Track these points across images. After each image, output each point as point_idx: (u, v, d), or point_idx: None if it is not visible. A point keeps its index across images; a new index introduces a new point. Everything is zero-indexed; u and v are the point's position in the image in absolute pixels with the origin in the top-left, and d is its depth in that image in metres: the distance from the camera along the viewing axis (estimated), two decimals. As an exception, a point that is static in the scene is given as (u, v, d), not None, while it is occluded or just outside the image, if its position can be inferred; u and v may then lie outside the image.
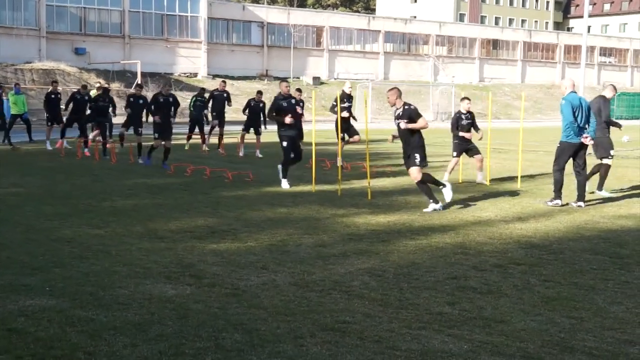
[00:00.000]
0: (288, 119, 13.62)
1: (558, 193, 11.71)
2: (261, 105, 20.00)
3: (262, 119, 20.01)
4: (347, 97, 17.95)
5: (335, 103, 16.17)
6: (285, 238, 8.87)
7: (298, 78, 63.20)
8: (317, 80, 62.71)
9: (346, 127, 17.52)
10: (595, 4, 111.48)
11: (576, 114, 11.50)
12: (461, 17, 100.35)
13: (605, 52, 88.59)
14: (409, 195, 12.79)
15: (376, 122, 45.05)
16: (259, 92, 20.58)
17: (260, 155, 19.80)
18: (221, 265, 7.40)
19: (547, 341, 5.25)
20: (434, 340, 5.22)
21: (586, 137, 11.56)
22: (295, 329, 5.44)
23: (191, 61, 59.87)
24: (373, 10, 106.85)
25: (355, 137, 18.20)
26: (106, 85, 23.72)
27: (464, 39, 77.66)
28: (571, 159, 11.84)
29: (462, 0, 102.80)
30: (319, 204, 11.66)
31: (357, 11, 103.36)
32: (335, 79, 66.40)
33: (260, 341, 5.16)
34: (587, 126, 11.71)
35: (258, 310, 5.90)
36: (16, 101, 23.77)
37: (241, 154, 20.15)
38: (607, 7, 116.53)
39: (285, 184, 13.62)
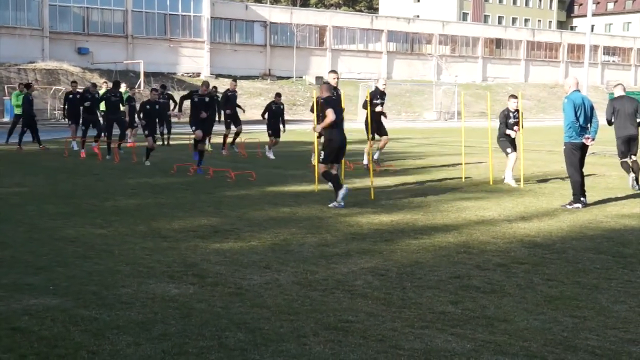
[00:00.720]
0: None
1: (577, 196, 11.44)
2: (282, 107, 19.59)
3: (282, 121, 19.57)
4: (380, 94, 16.55)
5: (367, 100, 15.68)
6: (288, 237, 8.87)
7: (301, 78, 63.26)
8: (319, 80, 62.54)
9: (377, 126, 16.40)
10: (598, 2, 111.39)
11: (578, 113, 11.41)
12: (464, 17, 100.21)
13: (608, 51, 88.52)
14: (412, 194, 12.78)
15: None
16: (278, 95, 20.04)
17: (272, 157, 19.38)
18: (224, 265, 7.41)
19: (550, 340, 5.25)
20: (437, 340, 5.22)
21: (587, 138, 11.49)
22: (298, 328, 5.44)
23: (194, 61, 59.93)
24: (376, 10, 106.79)
25: (384, 139, 16.92)
26: (117, 79, 23.27)
27: (467, 38, 77.67)
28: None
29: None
30: (321, 203, 11.66)
31: (360, 10, 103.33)
32: (338, 78, 66.30)
33: (263, 340, 5.16)
34: (588, 126, 11.64)
35: (261, 309, 5.90)
36: (20, 102, 23.73)
37: (271, 156, 19.35)
38: (610, 6, 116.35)
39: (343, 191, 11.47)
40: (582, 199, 11.50)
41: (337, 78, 13.00)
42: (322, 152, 11.56)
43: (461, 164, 15.72)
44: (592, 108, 11.67)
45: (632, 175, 13.85)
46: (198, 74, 59.21)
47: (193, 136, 15.90)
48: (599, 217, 10.57)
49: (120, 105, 20.13)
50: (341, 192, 11.24)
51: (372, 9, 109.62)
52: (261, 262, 7.53)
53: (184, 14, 59.89)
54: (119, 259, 7.64)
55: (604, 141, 19.30)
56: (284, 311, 5.85)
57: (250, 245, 8.41)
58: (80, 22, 55.98)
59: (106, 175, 15.21)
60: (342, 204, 11.18)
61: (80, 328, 5.36)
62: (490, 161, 15.12)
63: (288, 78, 63.59)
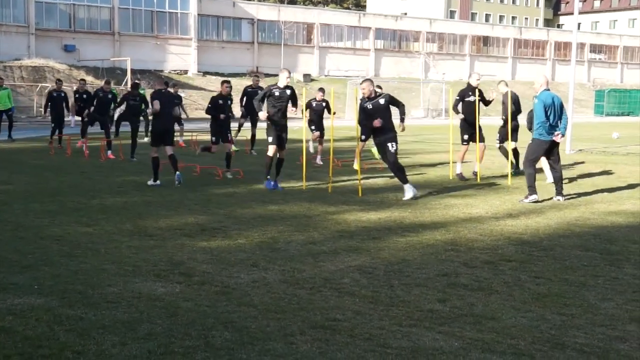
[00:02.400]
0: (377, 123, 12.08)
1: (532, 188, 11.78)
2: (324, 105, 18.44)
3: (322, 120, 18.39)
4: (472, 91, 14.58)
5: (457, 98, 14.50)
6: (276, 235, 8.84)
7: (289, 75, 63.11)
8: (307, 77, 62.64)
9: (470, 127, 14.64)
10: (585, 0, 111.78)
11: (548, 112, 11.74)
12: (452, 14, 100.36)
13: (595, 49, 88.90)
14: (399, 192, 12.76)
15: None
16: (321, 90, 18.92)
17: (320, 163, 17.65)
18: (211, 263, 7.37)
19: (537, 338, 5.24)
20: (424, 338, 5.20)
21: (558, 134, 11.80)
22: (285, 326, 5.41)
23: (181, 58, 59.73)
24: (364, 7, 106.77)
25: (481, 146, 14.79)
26: (137, 81, 22.42)
27: (455, 35, 77.83)
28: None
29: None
30: (309, 201, 11.63)
31: (348, 8, 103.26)
32: (325, 75, 66.39)
33: (250, 339, 5.13)
34: (558, 123, 11.91)
35: (248, 308, 5.87)
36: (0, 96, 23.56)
37: (319, 161, 17.86)
38: (597, 4, 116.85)
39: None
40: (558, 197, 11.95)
41: (289, 78, 13.37)
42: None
43: (449, 162, 15.71)
44: (561, 106, 12.04)
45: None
46: (185, 72, 59.02)
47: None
48: (586, 215, 10.60)
49: (142, 107, 18.98)
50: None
51: (360, 6, 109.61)
52: (248, 261, 7.50)
53: (171, 11, 59.66)
54: (105, 257, 7.59)
55: (590, 139, 19.31)
56: (271, 310, 5.82)
57: (237, 243, 8.37)
58: (67, 18, 55.66)
59: (93, 173, 15.11)
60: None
61: (65, 328, 5.31)
62: (478, 160, 15.08)
63: (276, 75, 63.45)
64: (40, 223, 9.47)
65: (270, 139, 13.12)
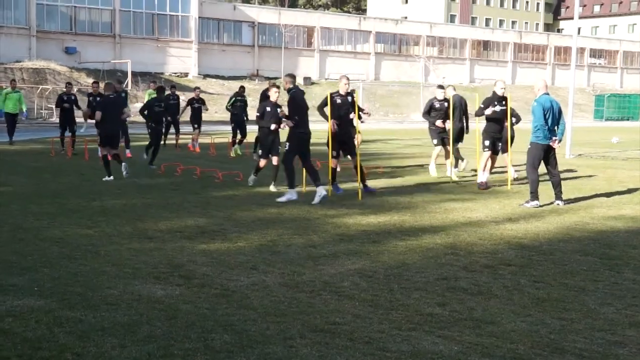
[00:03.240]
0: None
1: (535, 194, 11.78)
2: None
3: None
4: (498, 100, 14.07)
5: (482, 105, 14.11)
6: (276, 238, 8.84)
7: (289, 78, 63.13)
8: (308, 81, 62.71)
9: (494, 135, 14.25)
10: (585, 5, 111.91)
11: (547, 116, 11.76)
12: (452, 18, 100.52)
13: (595, 53, 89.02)
14: (399, 195, 12.78)
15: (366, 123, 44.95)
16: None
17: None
18: (211, 266, 7.37)
19: (537, 342, 5.24)
20: (424, 342, 5.20)
21: (554, 140, 11.84)
22: (285, 330, 5.41)
23: (182, 61, 59.79)
24: (364, 11, 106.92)
25: (505, 156, 14.58)
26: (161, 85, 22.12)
27: (455, 39, 77.91)
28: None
29: (453, 1, 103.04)
30: (309, 204, 11.63)
31: (348, 12, 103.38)
32: (326, 79, 66.42)
33: (249, 342, 5.13)
34: (556, 128, 11.95)
35: (248, 311, 5.87)
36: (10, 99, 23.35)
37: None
38: (597, 8, 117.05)
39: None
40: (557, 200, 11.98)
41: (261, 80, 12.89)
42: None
43: (448, 165, 15.71)
44: (559, 111, 12.07)
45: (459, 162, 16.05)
46: (186, 74, 59.08)
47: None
48: (586, 219, 10.60)
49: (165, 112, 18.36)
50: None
51: (360, 10, 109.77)
52: (248, 263, 7.50)
53: (172, 13, 59.74)
54: (104, 259, 7.59)
55: (590, 143, 19.29)
56: (270, 313, 5.82)
57: (237, 246, 8.37)
58: (68, 21, 55.72)
59: (92, 175, 15.11)
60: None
61: (65, 330, 5.31)
62: (478, 162, 15.08)
63: (276, 78, 63.42)
64: (39, 225, 9.47)
65: (333, 153, 12.91)
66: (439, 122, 15.22)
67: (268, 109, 13.34)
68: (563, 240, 9.00)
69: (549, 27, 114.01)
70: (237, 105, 20.34)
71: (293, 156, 12.16)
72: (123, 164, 14.30)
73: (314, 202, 11.60)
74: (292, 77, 12.61)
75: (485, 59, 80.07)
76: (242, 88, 21.02)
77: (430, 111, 15.55)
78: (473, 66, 78.40)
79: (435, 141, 15.75)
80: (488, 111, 13.96)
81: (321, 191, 11.73)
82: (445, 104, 15.40)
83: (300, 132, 12.12)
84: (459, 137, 15.92)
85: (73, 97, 21.13)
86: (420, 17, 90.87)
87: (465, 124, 16.04)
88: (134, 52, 55.95)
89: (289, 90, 12.24)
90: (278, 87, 14.10)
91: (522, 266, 7.59)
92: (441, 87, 15.99)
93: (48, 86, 45.50)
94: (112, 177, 14.17)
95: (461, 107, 15.83)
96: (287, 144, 12.14)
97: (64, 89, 22.76)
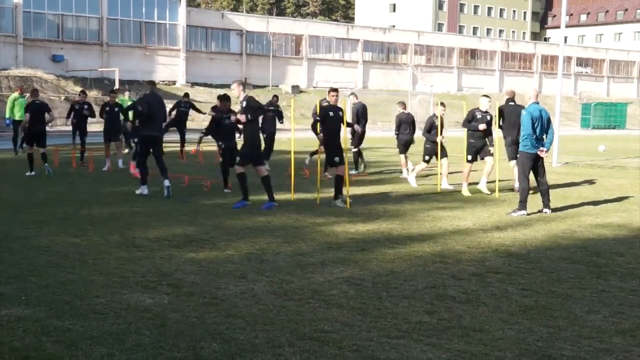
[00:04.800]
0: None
1: (523, 204, 11.83)
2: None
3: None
4: (481, 113, 14.65)
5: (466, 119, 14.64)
6: (264, 247, 8.84)
7: (277, 86, 63.23)
8: (296, 89, 62.75)
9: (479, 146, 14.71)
10: (571, 14, 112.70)
11: (535, 125, 11.82)
12: (440, 27, 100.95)
13: (581, 62, 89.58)
14: (387, 203, 12.81)
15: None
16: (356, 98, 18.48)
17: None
18: (199, 274, 7.36)
19: (525, 350, 5.27)
20: (412, 350, 5.22)
21: (542, 150, 11.90)
22: (273, 338, 5.41)
23: (170, 69, 59.69)
24: (352, 19, 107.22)
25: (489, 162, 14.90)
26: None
27: (443, 48, 78.20)
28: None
29: (441, 10, 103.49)
30: (297, 212, 11.64)
31: (336, 20, 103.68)
32: (314, 87, 66.50)
33: (238, 350, 5.13)
34: (545, 137, 12.02)
35: (236, 319, 5.87)
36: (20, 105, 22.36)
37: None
38: (583, 18, 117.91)
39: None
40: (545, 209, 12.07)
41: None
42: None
43: (436, 174, 15.77)
44: (548, 120, 12.16)
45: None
46: (174, 82, 58.98)
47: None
48: (573, 227, 10.66)
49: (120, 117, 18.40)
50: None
51: (348, 18, 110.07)
52: (236, 272, 7.49)
53: (159, 21, 59.64)
54: (92, 268, 7.57)
55: (577, 152, 19.39)
56: (259, 321, 5.82)
57: (225, 254, 8.37)
58: (55, 29, 55.50)
59: (80, 184, 15.07)
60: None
61: (52, 339, 5.29)
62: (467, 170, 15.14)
63: (264, 87, 63.51)
64: (27, 234, 9.43)
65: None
66: (482, 126, 14.40)
67: (331, 113, 12.86)
68: (550, 248, 9.04)
69: (536, 36, 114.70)
70: (269, 115, 18.96)
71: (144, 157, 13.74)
72: (45, 164, 16.60)
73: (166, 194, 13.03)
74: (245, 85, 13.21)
75: (472, 67, 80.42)
76: (276, 97, 20.18)
77: (472, 121, 14.77)
78: (461, 75, 78.72)
79: (426, 157, 15.64)
80: (482, 126, 14.35)
81: (166, 182, 13.32)
82: (488, 116, 14.77)
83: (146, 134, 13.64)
84: (358, 140, 17.81)
85: (86, 106, 20.12)
86: (408, 26, 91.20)
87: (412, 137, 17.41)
88: (121, 60, 55.81)
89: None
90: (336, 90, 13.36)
91: (510, 274, 7.62)
92: (486, 96, 15.23)
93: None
94: (34, 173, 16.33)
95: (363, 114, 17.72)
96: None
97: (76, 99, 21.81)
